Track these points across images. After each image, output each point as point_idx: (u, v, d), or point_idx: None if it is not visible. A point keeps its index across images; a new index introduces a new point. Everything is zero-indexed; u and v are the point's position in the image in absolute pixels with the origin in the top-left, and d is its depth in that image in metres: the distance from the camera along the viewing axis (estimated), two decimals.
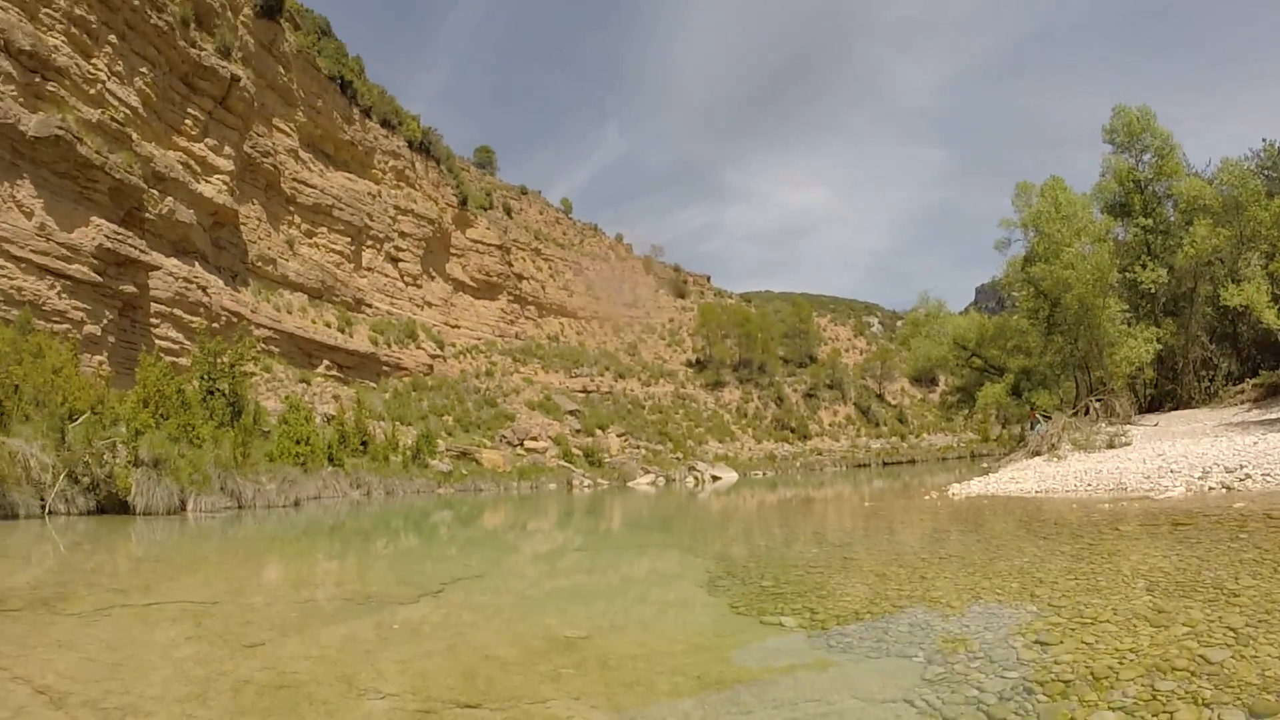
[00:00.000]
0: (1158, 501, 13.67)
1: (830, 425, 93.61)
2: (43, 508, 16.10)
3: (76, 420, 19.44)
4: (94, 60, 40.33)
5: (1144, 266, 36.74)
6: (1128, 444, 24.50)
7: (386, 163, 75.69)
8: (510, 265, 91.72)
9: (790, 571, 9.61)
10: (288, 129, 62.91)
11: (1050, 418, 32.19)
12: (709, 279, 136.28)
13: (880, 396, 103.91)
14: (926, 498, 20.63)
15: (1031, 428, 33.79)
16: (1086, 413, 32.18)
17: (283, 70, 61.46)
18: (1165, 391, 38.78)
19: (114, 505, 18.27)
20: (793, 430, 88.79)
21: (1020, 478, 21.21)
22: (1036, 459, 26.22)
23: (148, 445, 20.41)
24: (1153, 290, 37.10)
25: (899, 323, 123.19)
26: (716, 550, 13.07)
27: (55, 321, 33.18)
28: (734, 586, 8.69)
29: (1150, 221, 38.45)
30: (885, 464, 74.74)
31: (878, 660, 5.36)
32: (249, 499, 24.24)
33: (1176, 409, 35.83)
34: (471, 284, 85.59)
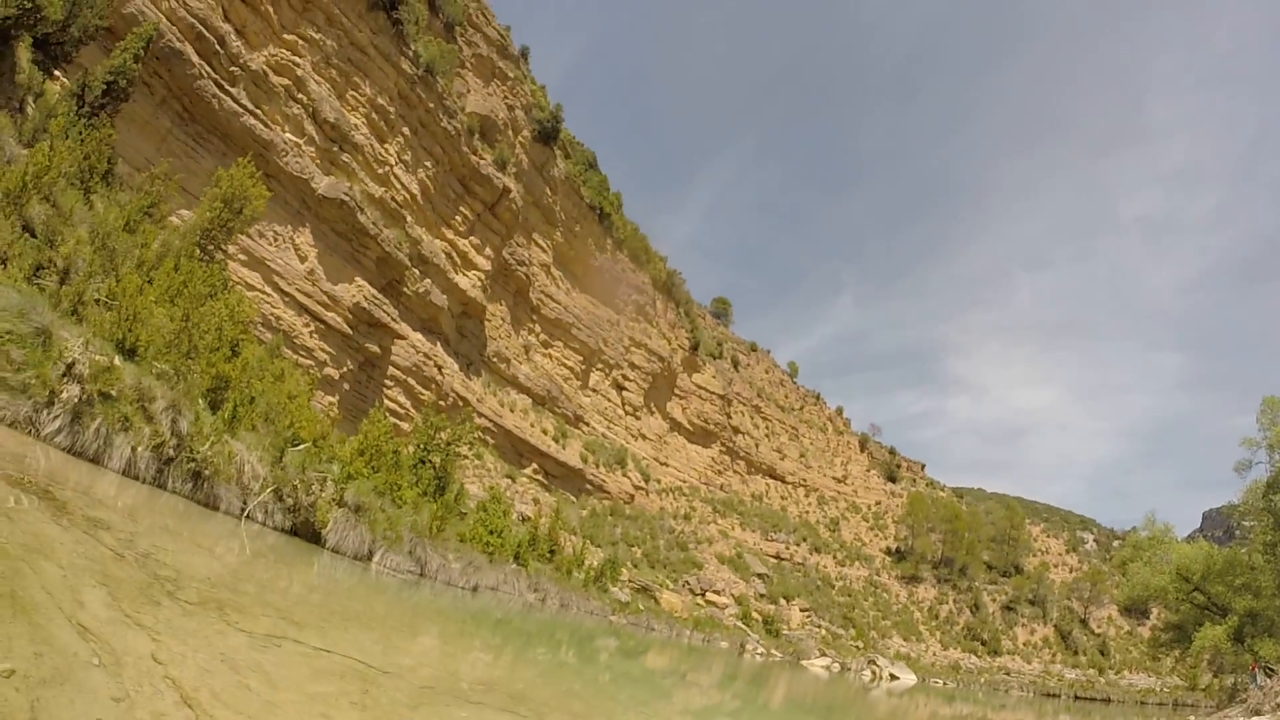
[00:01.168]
0: None
1: (1025, 644, 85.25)
2: (242, 510, 16.09)
3: (298, 446, 19.68)
4: (386, 145, 43.85)
5: None
6: None
7: (629, 295, 77.66)
8: (729, 417, 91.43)
9: None
10: (544, 244, 65.90)
11: (1275, 672, 27.76)
12: (924, 467, 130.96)
13: (1084, 622, 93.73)
14: None
15: (1252, 680, 29.24)
16: None
17: (549, 191, 64.84)
18: None
19: (307, 532, 18.12)
20: (983, 643, 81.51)
21: None
22: (1258, 718, 22.37)
23: (355, 490, 20.38)
24: None
25: (1115, 543, 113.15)
26: None
27: (301, 356, 35.30)
28: None
29: None
30: (1077, 697, 67.28)
31: None
32: (432, 569, 23.81)
33: None
34: (688, 427, 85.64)
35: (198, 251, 24.32)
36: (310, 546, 17.53)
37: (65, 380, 12.07)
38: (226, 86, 34.00)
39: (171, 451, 14.12)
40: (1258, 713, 23.87)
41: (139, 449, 13.47)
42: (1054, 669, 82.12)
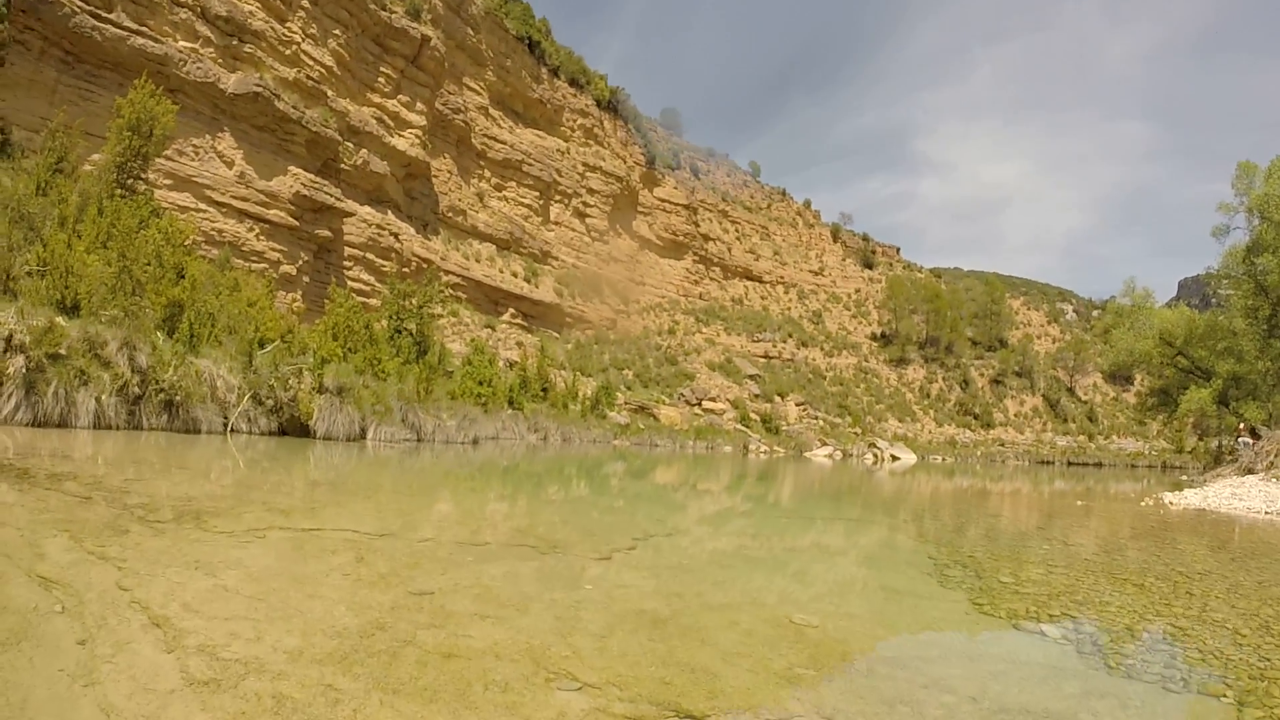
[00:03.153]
0: None
1: (1016, 416, 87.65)
2: (225, 425, 16.54)
3: (266, 348, 19.99)
4: (288, 24, 42.05)
5: None
6: None
7: (575, 121, 76.23)
8: (697, 225, 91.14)
9: (1028, 569, 8.18)
10: (478, 87, 64.09)
11: (1259, 434, 28.93)
12: (898, 251, 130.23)
13: (1071, 390, 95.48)
14: (1143, 504, 18.76)
15: (1235, 441, 30.47)
16: None
17: (471, 31, 62.49)
18: None
19: (295, 428, 18.68)
20: (976, 417, 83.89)
21: (1243, 495, 19.12)
22: (1250, 477, 23.46)
23: (333, 374, 20.83)
24: None
25: (1095, 313, 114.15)
26: (928, 534, 11.52)
27: (254, 261, 35.03)
28: (968, 579, 7.33)
29: None
30: (1070, 463, 69.38)
31: (1179, 696, 4.19)
32: (429, 433, 24.54)
33: None
34: (658, 242, 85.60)
35: (118, 190, 23.91)
36: (301, 441, 17.97)
37: (7, 355, 12.20)
38: (104, 14, 32.50)
39: (137, 389, 14.41)
40: (1250, 471, 24.68)
41: (104, 398, 13.74)
42: (1046, 437, 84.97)
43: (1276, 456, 24.41)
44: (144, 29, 33.74)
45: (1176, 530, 13.21)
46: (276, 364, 19.00)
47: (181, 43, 35.50)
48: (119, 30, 32.64)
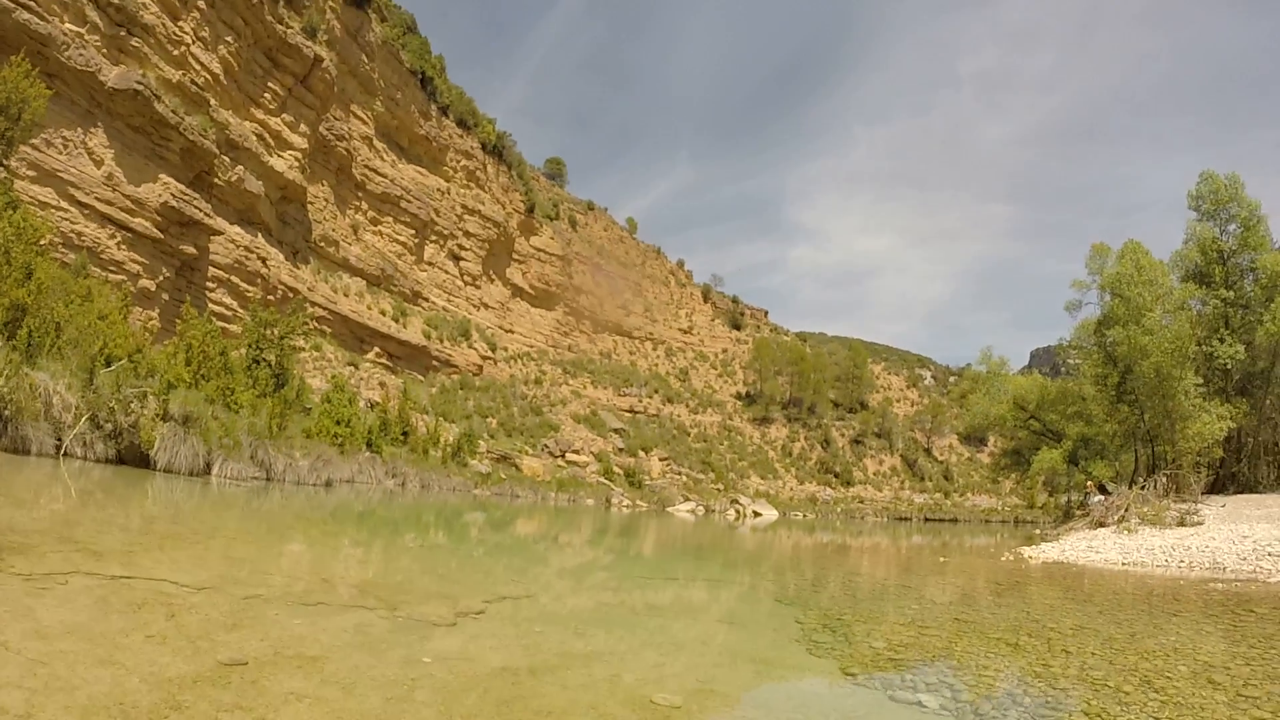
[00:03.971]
0: (1272, 586, 12.51)
1: (875, 474, 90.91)
2: (58, 448, 15.22)
3: (112, 367, 18.63)
4: (180, 23, 40.41)
5: (1221, 340, 34.71)
6: (1200, 523, 22.98)
7: (458, 162, 75.55)
8: (570, 277, 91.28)
9: (899, 631, 8.09)
10: (365, 116, 62.90)
11: (1107, 490, 30.54)
12: (766, 314, 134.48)
13: (928, 451, 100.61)
14: (1004, 558, 19.30)
15: (1085, 498, 32.00)
16: (1154, 488, 30.33)
17: (366, 59, 61.54)
18: (1230, 473, 36.52)
19: (134, 457, 17.37)
20: (836, 475, 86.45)
21: (1099, 547, 20.01)
22: (1102, 530, 24.70)
23: (179, 401, 19.53)
24: (1228, 366, 35.02)
25: (952, 379, 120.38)
26: (794, 594, 11.27)
27: (111, 271, 33.01)
28: (838, 645, 7.15)
29: (1231, 294, 36.36)
30: (927, 519, 72.12)
31: None
32: (279, 472, 23.28)
33: (1240, 492, 33.70)
34: (530, 291, 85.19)
35: None
36: (140, 472, 16.75)
37: None
38: None
39: None
40: (1102, 524, 25.90)
41: None
42: (903, 495, 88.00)
43: (1126, 510, 25.68)
44: (31, 3, 31.48)
45: (1040, 584, 13.55)
46: (120, 385, 17.69)
47: (68, 25, 33.32)
48: (4, 2, 30.46)
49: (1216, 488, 35.46)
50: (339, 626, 5.69)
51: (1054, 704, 5.24)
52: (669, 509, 50.09)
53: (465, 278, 74.97)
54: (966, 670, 6.26)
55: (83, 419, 16.00)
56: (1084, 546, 20.53)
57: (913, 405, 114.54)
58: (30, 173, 31.37)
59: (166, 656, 4.28)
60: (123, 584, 5.97)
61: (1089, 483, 35.40)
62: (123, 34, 36.18)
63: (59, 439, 15.37)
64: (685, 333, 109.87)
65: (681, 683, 5.31)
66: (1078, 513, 34.16)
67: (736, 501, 58.31)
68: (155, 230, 35.71)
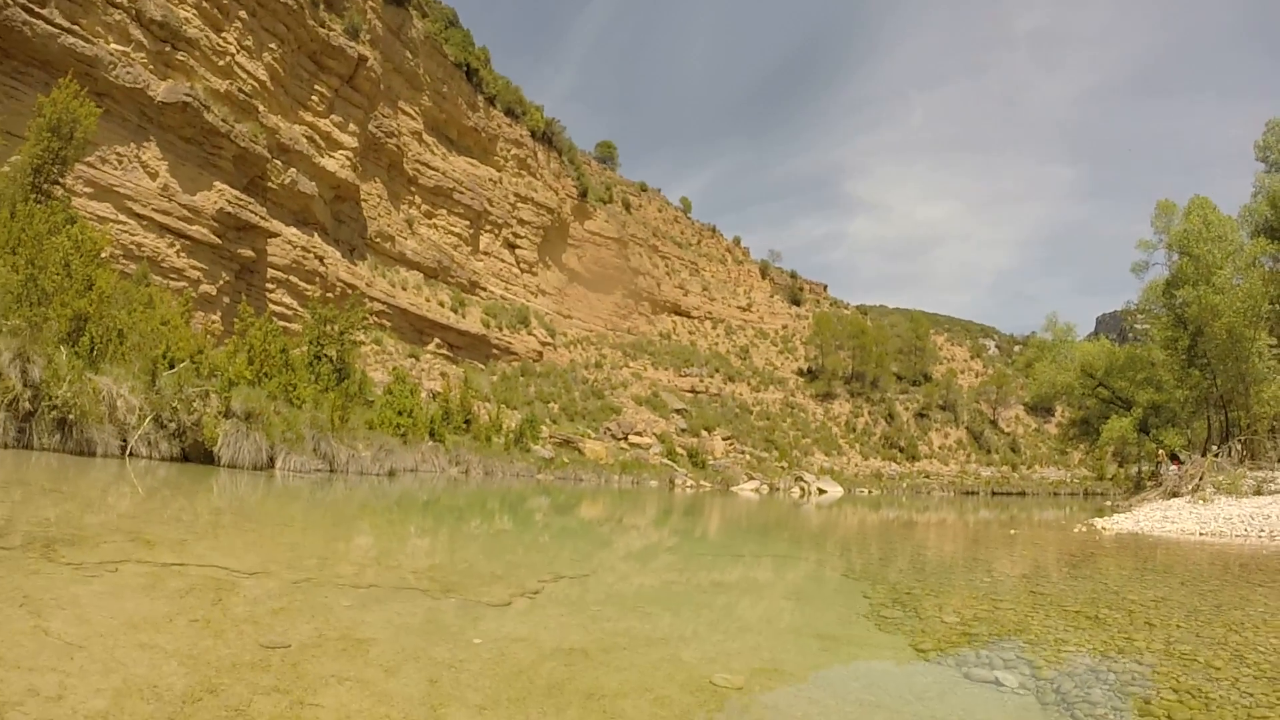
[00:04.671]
0: None
1: (940, 448, 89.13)
2: (124, 449, 15.70)
3: (174, 368, 19.15)
4: (224, 34, 41.14)
5: None
6: (1278, 491, 22.23)
7: (509, 151, 75.85)
8: (627, 260, 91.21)
9: (972, 605, 7.73)
10: (412, 112, 63.47)
11: (1179, 459, 29.75)
12: (825, 288, 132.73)
13: (994, 423, 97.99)
14: (1076, 530, 18.85)
15: (1157, 467, 31.24)
16: (1229, 455, 29.45)
17: (409, 55, 62.02)
18: None
19: (199, 454, 17.86)
20: (901, 450, 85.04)
21: (1174, 518, 19.55)
22: (1176, 500, 24.09)
23: (241, 398, 19.99)
24: None
25: (1017, 348, 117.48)
26: (861, 569, 10.98)
27: (172, 278, 33.92)
28: (907, 620, 6.82)
29: None
30: (995, 493, 70.69)
31: None
32: (342, 463, 23.70)
33: None
34: (587, 275, 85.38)
35: (33, 194, 22.85)
36: (204, 468, 17.19)
37: None
38: (36, 9, 31.11)
39: (29, 404, 13.58)
40: (1176, 494, 25.44)
41: None
42: (970, 468, 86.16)
43: (1201, 479, 25.06)
44: (76, 27, 32.50)
45: (1116, 556, 13.17)
46: (182, 385, 18.19)
47: (113, 45, 34.30)
48: (50, 27, 31.40)
49: None
50: (389, 609, 5.60)
51: (1140, 680, 5.01)
52: (733, 488, 49.95)
53: (521, 265, 75.45)
54: (1045, 645, 5.96)
55: (146, 419, 16.48)
56: (1159, 517, 20.14)
57: (977, 376, 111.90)
58: (88, 190, 32.38)
59: (208, 640, 4.26)
60: (173, 570, 5.97)
61: (1160, 451, 34.65)
62: (168, 49, 37.06)
63: (124, 440, 15.85)
64: (744, 310, 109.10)
65: (744, 662, 5.10)
66: (1149, 483, 33.50)
67: (801, 479, 57.96)
68: (213, 236, 36.67)
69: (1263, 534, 15.68)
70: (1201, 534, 16.74)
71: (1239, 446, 29.99)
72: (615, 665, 4.70)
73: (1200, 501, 22.31)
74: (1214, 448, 30.57)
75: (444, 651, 4.59)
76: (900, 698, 4.53)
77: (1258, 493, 22.30)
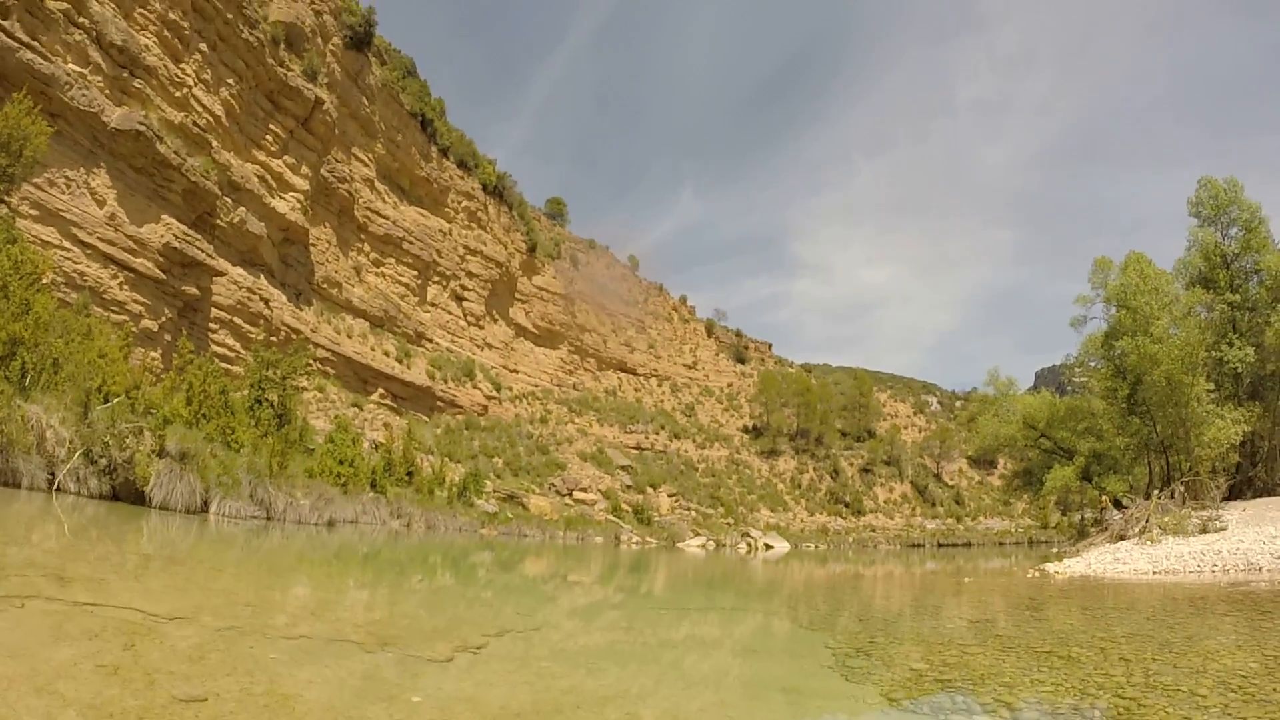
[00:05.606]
0: None
1: (886, 502, 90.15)
2: (50, 483, 14.79)
3: (109, 403, 18.25)
4: (183, 65, 40.60)
5: (1230, 345, 34.69)
6: (1223, 528, 22.82)
7: (460, 203, 75.77)
8: (574, 316, 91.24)
9: (939, 651, 7.46)
10: (366, 159, 63.10)
11: (1122, 505, 30.14)
12: (770, 347, 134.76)
13: (938, 476, 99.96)
14: (1029, 575, 18.89)
15: (1101, 514, 31.79)
16: (1172, 497, 29.92)
17: (366, 101, 61.82)
18: (1246, 478, 36.02)
19: (129, 494, 16.91)
20: (847, 505, 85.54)
21: (1125, 559, 19.74)
22: (1124, 542, 24.33)
23: (176, 437, 19.10)
24: (1239, 370, 34.81)
25: (959, 403, 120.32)
26: (817, 619, 10.74)
27: (114, 311, 32.93)
28: (875, 669, 6.55)
29: (1237, 298, 36.19)
30: (940, 545, 71.34)
31: None
32: (279, 510, 22.72)
33: (1258, 495, 33.30)
34: (534, 330, 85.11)
35: None
36: (134, 508, 16.33)
37: None
38: None
39: None
40: (1123, 537, 25.63)
41: None
42: (915, 522, 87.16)
43: (1147, 521, 25.29)
44: (35, 43, 31.49)
45: (1074, 596, 13.18)
46: (115, 420, 17.29)
47: (71, 65, 33.37)
48: (9, 40, 30.33)
49: (1234, 493, 35.12)
50: (321, 663, 5.20)
51: (1128, 714, 4.76)
52: (679, 544, 49.49)
53: (469, 318, 74.86)
54: (1022, 687, 5.72)
55: (76, 453, 15.58)
56: (1109, 559, 20.33)
57: (920, 431, 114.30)
58: (33, 212, 31.29)
59: (114, 689, 3.87)
60: (85, 610, 5.54)
61: (1104, 498, 35.07)
62: (125, 75, 36.28)
63: (52, 473, 14.96)
64: (690, 368, 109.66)
65: None
66: (1093, 529, 33.77)
67: (747, 535, 57.69)
68: (157, 271, 35.65)
69: (1215, 569, 16.02)
70: (1154, 572, 17.00)
71: (1182, 489, 30.45)
72: None
73: (1149, 542, 22.60)
74: (1156, 491, 30.94)
75: (379, 711, 4.21)
76: None
77: (1204, 531, 22.84)
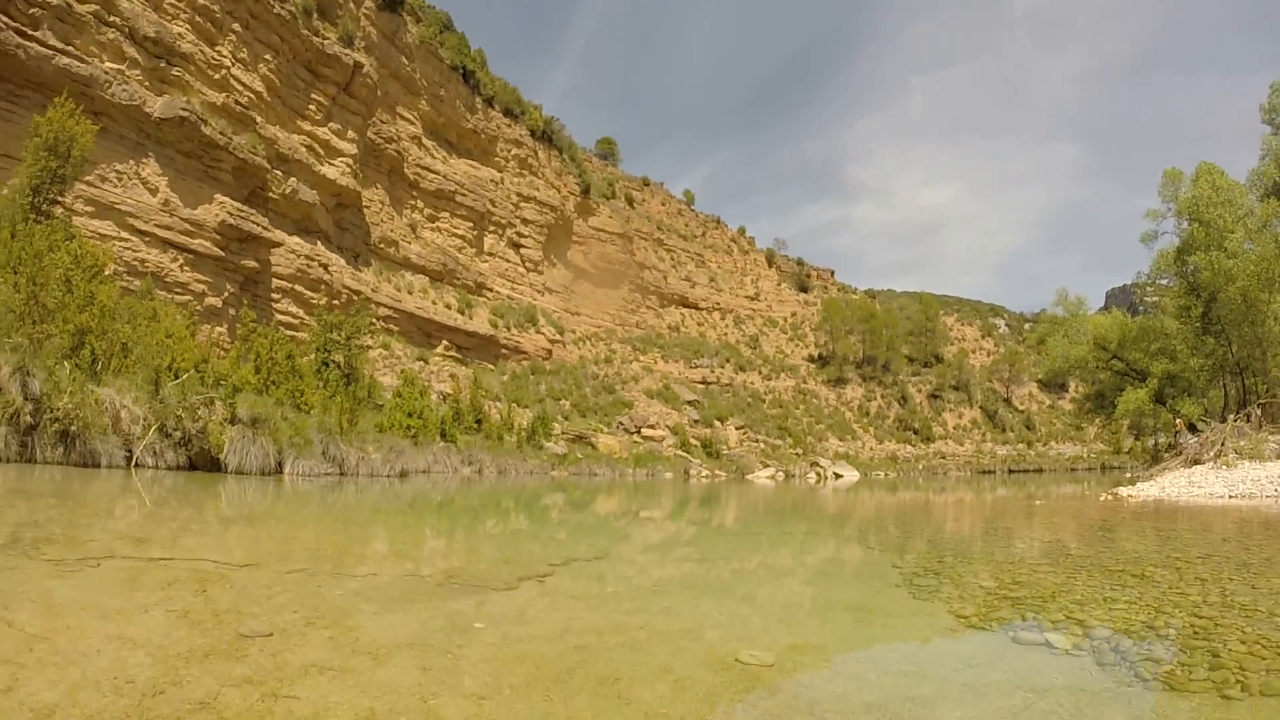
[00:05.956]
0: None
1: (955, 428, 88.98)
2: (128, 459, 15.76)
3: (179, 378, 19.20)
4: (218, 47, 41.28)
5: None
6: None
7: (509, 151, 75.84)
8: (632, 254, 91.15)
9: (1008, 569, 7.38)
10: (411, 117, 63.52)
11: (1197, 429, 29.56)
12: (833, 274, 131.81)
13: (1008, 401, 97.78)
14: (1102, 499, 18.78)
15: (1175, 438, 31.03)
16: (1248, 420, 29.16)
17: (405, 60, 62.07)
18: None
19: (205, 462, 17.89)
20: (915, 432, 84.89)
21: (1200, 483, 19.52)
22: (1199, 467, 23.95)
23: (246, 404, 20.05)
24: None
25: (1027, 325, 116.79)
26: (887, 543, 10.64)
27: (177, 293, 34.12)
28: (943, 587, 6.49)
29: None
30: (1011, 471, 70.35)
31: (1246, 702, 3.53)
32: (352, 466, 23.68)
33: None
34: (593, 272, 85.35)
35: (32, 214, 22.99)
36: (211, 475, 17.20)
37: None
38: (29, 32, 31.28)
39: (30, 418, 13.63)
40: (1197, 461, 25.26)
41: None
42: (985, 448, 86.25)
43: (1223, 445, 24.91)
44: (70, 48, 32.64)
45: (1148, 519, 13.04)
46: (186, 394, 18.24)
47: (108, 64, 34.44)
48: (44, 49, 31.51)
49: None
50: (386, 596, 5.35)
51: (1203, 633, 4.71)
52: (748, 476, 49.92)
53: (527, 264, 75.46)
54: (1093, 605, 5.64)
55: (151, 429, 16.54)
56: (1184, 483, 20.14)
57: (989, 355, 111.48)
58: (88, 208, 32.62)
59: (183, 630, 4.04)
60: (160, 564, 5.78)
61: (1178, 421, 34.26)
62: (163, 65, 37.21)
63: (129, 451, 15.91)
64: (752, 300, 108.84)
65: (774, 638, 4.75)
66: (1166, 455, 33.13)
67: (816, 464, 57.87)
68: (216, 249, 36.88)
69: None
70: (1230, 497, 16.79)
71: (1258, 412, 29.66)
72: (630, 644, 4.42)
73: (1224, 467, 22.22)
74: (1232, 415, 30.22)
75: (441, 637, 4.35)
76: (946, 666, 4.29)
77: None
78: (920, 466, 72.06)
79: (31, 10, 31.74)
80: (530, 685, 3.58)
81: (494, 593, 5.74)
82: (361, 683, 3.45)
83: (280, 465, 20.30)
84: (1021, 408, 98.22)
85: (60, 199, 25.14)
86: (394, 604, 5.14)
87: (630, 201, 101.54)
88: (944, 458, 79.15)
